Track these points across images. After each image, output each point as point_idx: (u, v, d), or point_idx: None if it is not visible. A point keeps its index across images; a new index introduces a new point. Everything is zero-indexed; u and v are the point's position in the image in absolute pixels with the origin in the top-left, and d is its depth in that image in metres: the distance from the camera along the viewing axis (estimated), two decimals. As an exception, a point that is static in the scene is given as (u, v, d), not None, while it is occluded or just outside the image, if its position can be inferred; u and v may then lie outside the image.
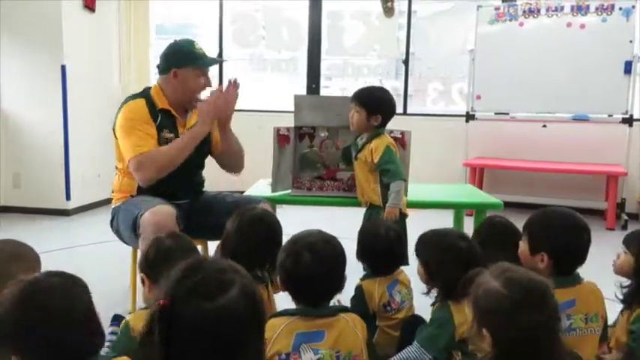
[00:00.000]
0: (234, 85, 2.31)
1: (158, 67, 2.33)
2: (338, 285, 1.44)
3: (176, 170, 2.18)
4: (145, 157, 2.13)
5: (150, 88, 2.33)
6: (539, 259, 1.55)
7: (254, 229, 1.72)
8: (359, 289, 1.86)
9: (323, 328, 1.37)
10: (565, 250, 1.53)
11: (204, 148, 2.37)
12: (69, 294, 1.05)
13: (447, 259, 1.61)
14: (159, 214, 1.99)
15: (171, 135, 2.25)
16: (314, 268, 1.39)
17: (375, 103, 2.34)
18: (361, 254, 1.93)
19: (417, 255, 1.72)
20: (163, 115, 2.26)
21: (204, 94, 2.33)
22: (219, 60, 2.30)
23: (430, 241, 1.71)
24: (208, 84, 2.31)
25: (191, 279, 0.91)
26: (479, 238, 1.84)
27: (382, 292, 1.83)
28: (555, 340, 1.11)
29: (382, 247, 1.89)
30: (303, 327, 1.36)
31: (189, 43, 2.30)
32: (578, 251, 1.55)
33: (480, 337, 1.13)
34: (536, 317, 1.07)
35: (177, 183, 2.23)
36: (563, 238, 1.54)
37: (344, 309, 1.47)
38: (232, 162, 2.48)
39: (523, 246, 1.62)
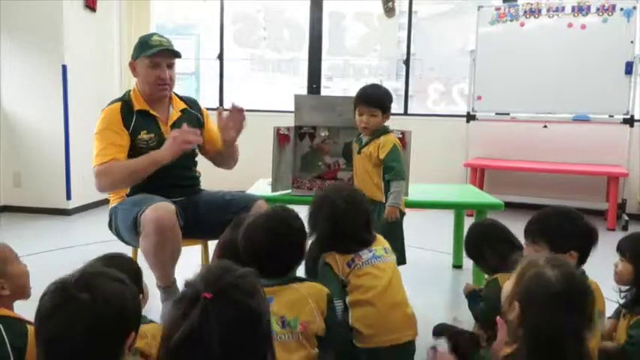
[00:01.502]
0: (239, 110, 2.34)
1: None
2: (293, 259, 1.54)
3: (165, 169, 2.17)
4: (104, 168, 2.15)
5: (130, 90, 2.35)
6: (569, 257, 1.56)
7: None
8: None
9: (272, 294, 1.42)
10: (588, 246, 1.59)
11: (191, 151, 2.36)
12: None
13: None
14: (160, 210, 1.99)
15: (151, 135, 2.25)
16: (263, 246, 1.49)
17: (388, 102, 2.35)
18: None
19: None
20: (140, 116, 2.26)
21: (227, 106, 2.33)
22: (164, 49, 2.25)
23: None
24: (162, 76, 2.25)
25: (231, 275, 0.98)
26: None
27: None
28: (582, 347, 1.10)
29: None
30: None
31: (148, 35, 2.32)
32: (590, 251, 1.60)
33: (510, 310, 1.14)
34: (573, 319, 1.07)
35: (169, 181, 2.23)
36: (585, 235, 1.60)
37: (299, 279, 1.54)
38: (225, 163, 2.51)
39: (527, 249, 1.64)
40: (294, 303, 1.45)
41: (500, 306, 1.56)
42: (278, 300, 1.44)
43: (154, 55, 2.23)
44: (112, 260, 1.44)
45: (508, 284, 1.21)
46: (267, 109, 5.41)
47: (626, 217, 4.38)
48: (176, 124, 2.31)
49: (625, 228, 4.23)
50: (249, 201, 2.28)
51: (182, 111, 2.39)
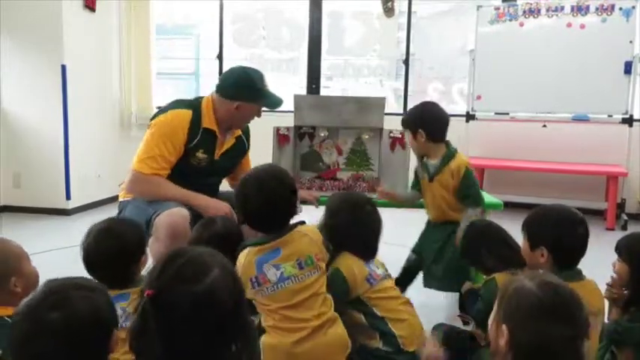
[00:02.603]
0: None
1: (219, 87, 2.26)
2: (287, 213, 1.62)
3: (195, 179, 2.21)
4: (141, 179, 2.14)
5: (202, 98, 2.28)
6: (539, 254, 1.57)
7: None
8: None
9: (278, 246, 1.58)
10: (562, 242, 1.55)
11: (225, 174, 2.44)
12: None
13: None
14: (174, 216, 1.99)
15: (205, 156, 2.23)
16: (259, 204, 1.59)
17: (416, 121, 2.19)
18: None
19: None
20: (204, 134, 2.22)
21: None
22: (281, 102, 2.32)
23: None
24: (259, 115, 2.32)
25: (173, 267, 0.97)
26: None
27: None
28: (578, 356, 1.02)
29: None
30: (261, 251, 1.57)
31: (261, 80, 2.26)
32: (575, 243, 1.56)
33: (498, 334, 1.06)
34: (562, 329, 1.00)
35: (193, 187, 2.20)
36: (558, 230, 1.56)
37: (297, 224, 1.65)
38: None
39: (524, 243, 1.64)
40: (305, 244, 1.61)
41: None
42: (287, 248, 1.58)
43: (270, 107, 2.28)
44: (117, 225, 1.62)
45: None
46: (266, 109, 5.41)
47: (625, 217, 4.38)
48: (228, 152, 2.33)
49: (624, 227, 4.23)
50: None
51: (237, 137, 2.38)
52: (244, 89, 2.23)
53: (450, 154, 2.17)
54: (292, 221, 1.65)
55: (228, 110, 2.24)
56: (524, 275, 1.11)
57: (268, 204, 1.59)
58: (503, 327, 1.04)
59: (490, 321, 1.12)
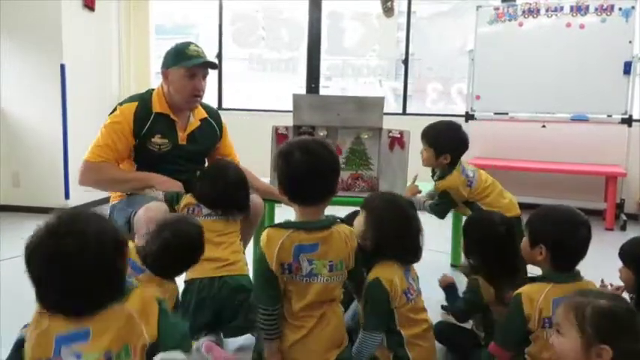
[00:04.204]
0: None
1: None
2: (331, 187, 1.56)
3: (173, 168, 2.20)
4: (91, 167, 2.18)
5: (153, 89, 2.31)
6: (538, 251, 1.57)
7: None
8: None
9: (317, 240, 1.52)
10: (563, 242, 1.54)
11: (202, 158, 2.39)
12: None
13: None
14: (151, 210, 2.00)
15: (165, 140, 2.23)
16: (304, 166, 1.50)
17: (443, 144, 2.43)
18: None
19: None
20: (158, 119, 2.23)
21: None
22: (205, 61, 2.23)
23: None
24: (198, 87, 2.23)
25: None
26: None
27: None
28: None
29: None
30: (301, 239, 1.51)
31: (185, 44, 2.26)
32: (576, 245, 1.55)
33: (591, 353, 1.13)
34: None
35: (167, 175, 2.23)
36: (560, 230, 1.55)
37: (337, 220, 1.60)
38: None
39: (524, 241, 1.64)
40: (340, 247, 1.55)
41: (479, 302, 1.77)
42: (324, 246, 1.53)
43: (190, 65, 2.20)
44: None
45: (570, 338, 1.19)
46: (265, 109, 5.42)
47: (625, 217, 4.38)
48: (194, 133, 2.32)
49: (623, 228, 4.23)
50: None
51: (202, 120, 2.37)
52: (167, 56, 2.27)
53: (443, 174, 2.48)
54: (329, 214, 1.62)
55: (165, 85, 2.26)
56: (583, 297, 1.19)
57: (313, 171, 1.51)
58: (604, 347, 1.10)
59: (566, 347, 1.17)
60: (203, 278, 1.91)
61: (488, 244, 1.86)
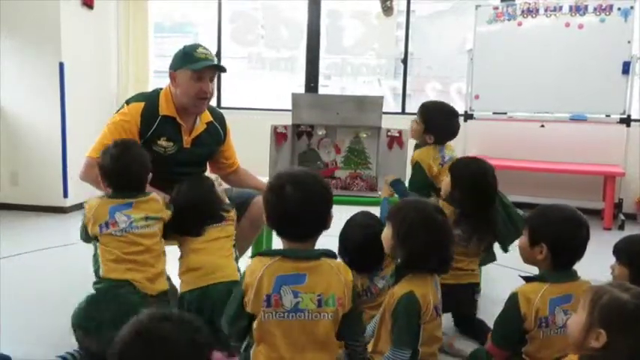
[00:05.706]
0: None
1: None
2: (323, 222, 1.43)
3: (176, 168, 2.20)
4: (93, 164, 2.17)
5: (161, 89, 2.28)
6: (539, 250, 1.57)
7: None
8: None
9: (305, 271, 1.38)
10: (563, 241, 1.55)
11: (202, 160, 2.39)
12: None
13: None
14: None
15: (171, 144, 2.21)
16: (296, 202, 1.38)
17: (433, 124, 2.49)
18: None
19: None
20: (164, 122, 2.21)
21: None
22: (212, 64, 2.19)
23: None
24: (205, 89, 2.19)
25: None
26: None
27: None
28: None
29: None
30: (285, 269, 1.38)
31: (193, 46, 2.23)
32: (576, 244, 1.56)
33: (589, 335, 1.15)
34: None
35: (178, 179, 2.19)
36: (562, 229, 1.56)
37: (328, 253, 1.46)
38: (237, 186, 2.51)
39: (523, 239, 1.64)
40: (331, 279, 1.40)
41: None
42: (312, 277, 1.38)
43: (197, 68, 2.15)
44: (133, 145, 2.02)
45: (579, 315, 1.20)
46: (264, 108, 5.42)
47: (623, 217, 4.39)
48: (199, 137, 2.30)
49: (621, 227, 4.24)
50: (246, 198, 2.29)
51: (207, 124, 2.34)
52: (174, 58, 2.24)
53: (418, 147, 2.56)
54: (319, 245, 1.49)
55: (173, 87, 2.23)
56: (612, 285, 1.20)
57: (305, 203, 1.39)
58: (601, 331, 1.13)
59: (573, 322, 1.21)
60: (193, 290, 1.89)
61: (470, 181, 2.13)
